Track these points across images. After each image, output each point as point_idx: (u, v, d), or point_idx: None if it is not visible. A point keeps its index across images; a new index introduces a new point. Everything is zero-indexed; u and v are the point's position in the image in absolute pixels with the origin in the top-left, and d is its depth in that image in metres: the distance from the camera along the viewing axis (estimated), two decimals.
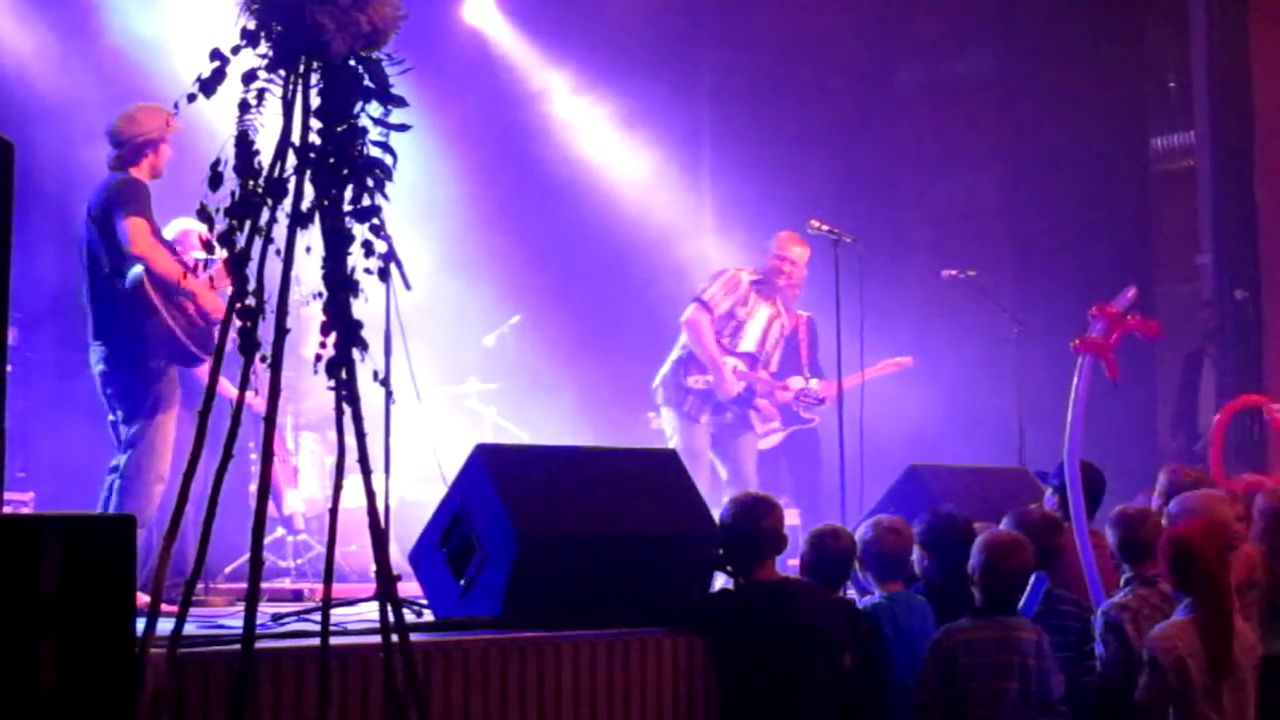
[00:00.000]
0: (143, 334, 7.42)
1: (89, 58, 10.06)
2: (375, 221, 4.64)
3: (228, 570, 8.93)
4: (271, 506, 9.54)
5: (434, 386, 9.70)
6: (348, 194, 4.62)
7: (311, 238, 4.63)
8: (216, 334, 7.62)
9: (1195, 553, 5.80)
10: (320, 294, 4.61)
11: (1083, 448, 6.89)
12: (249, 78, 4.61)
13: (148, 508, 7.27)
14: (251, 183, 4.57)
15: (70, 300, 7.84)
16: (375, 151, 4.65)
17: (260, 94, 4.61)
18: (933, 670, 5.88)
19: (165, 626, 4.50)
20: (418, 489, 9.83)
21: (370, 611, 5.51)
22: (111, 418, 7.55)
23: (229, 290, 4.65)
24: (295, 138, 4.62)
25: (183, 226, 8.43)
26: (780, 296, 9.76)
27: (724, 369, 9.50)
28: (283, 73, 4.63)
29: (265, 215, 4.60)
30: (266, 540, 7.89)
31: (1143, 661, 5.81)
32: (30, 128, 9.40)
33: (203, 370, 7.72)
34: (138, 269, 7.38)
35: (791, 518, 9.48)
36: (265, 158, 4.61)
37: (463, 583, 5.98)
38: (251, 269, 4.57)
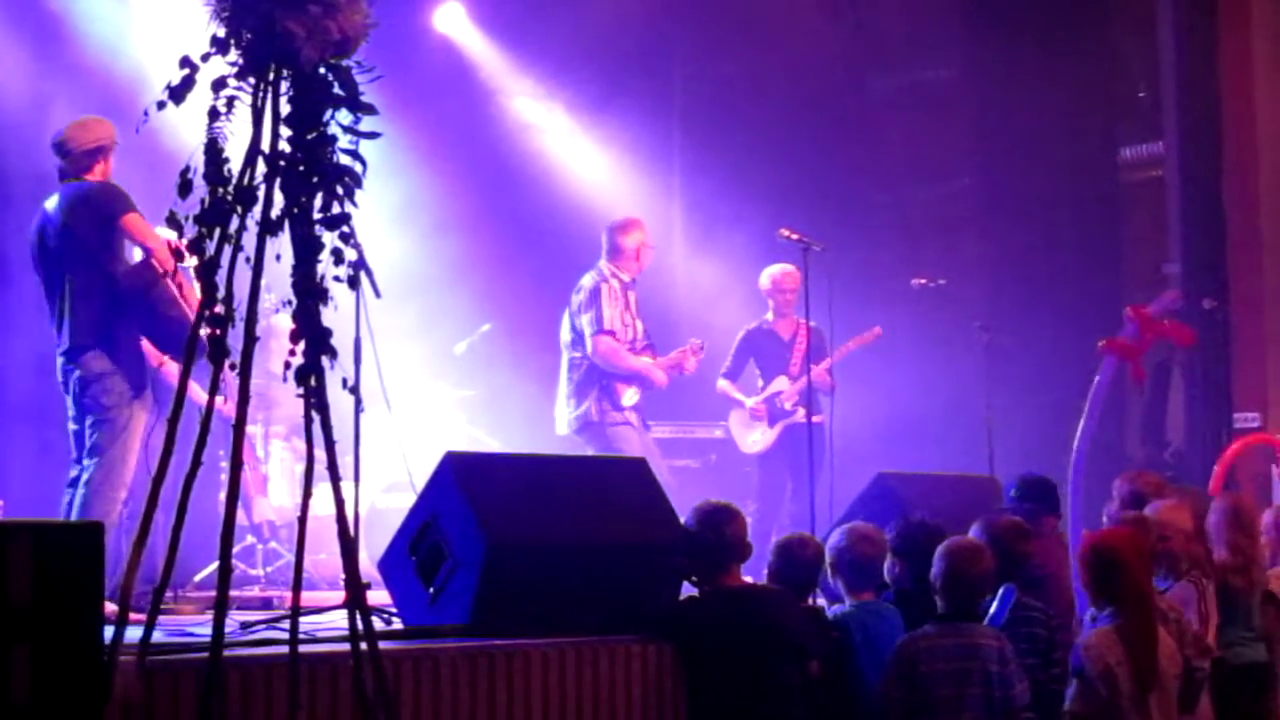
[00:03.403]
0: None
1: (59, 63, 10.02)
2: (345, 229, 4.64)
3: (197, 578, 8.91)
4: (241, 514, 9.51)
5: (404, 394, 9.69)
6: (317, 201, 4.62)
7: (281, 245, 4.63)
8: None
9: (1119, 562, 5.81)
10: (290, 301, 4.61)
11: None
12: (219, 85, 4.61)
13: (112, 513, 7.22)
14: (221, 190, 4.57)
15: (43, 305, 7.68)
16: (345, 159, 4.65)
17: (230, 101, 4.61)
18: (895, 678, 5.90)
19: (134, 634, 4.50)
20: (387, 497, 9.83)
21: (340, 619, 5.49)
22: (74, 426, 7.43)
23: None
24: (265, 145, 4.62)
25: None
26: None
27: (650, 370, 9.52)
28: (253, 80, 4.63)
29: (235, 223, 4.60)
30: (236, 548, 7.90)
31: (1076, 672, 5.82)
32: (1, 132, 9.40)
33: (172, 376, 7.69)
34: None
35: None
36: (235, 165, 4.61)
37: (432, 590, 5.98)
38: (221, 276, 4.57)
